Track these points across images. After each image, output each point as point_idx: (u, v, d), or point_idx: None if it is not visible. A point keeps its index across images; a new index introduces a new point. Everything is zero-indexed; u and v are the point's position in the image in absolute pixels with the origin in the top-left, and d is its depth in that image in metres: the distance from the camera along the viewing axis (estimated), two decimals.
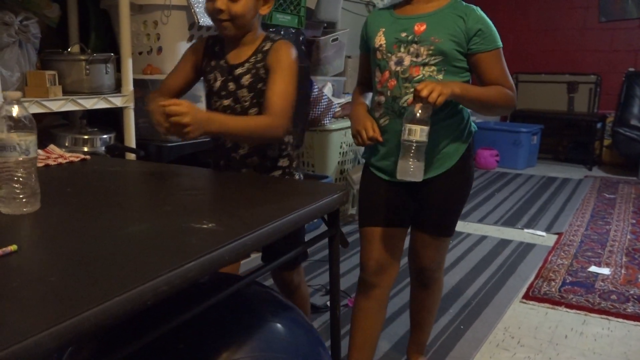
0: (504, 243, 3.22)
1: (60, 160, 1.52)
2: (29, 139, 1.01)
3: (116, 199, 1.20)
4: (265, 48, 1.48)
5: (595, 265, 2.85)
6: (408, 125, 1.38)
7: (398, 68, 1.50)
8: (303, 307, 1.74)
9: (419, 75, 1.48)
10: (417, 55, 1.48)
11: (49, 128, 2.41)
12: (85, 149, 2.30)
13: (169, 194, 1.25)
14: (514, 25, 6.02)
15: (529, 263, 2.90)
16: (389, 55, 1.52)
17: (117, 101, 2.29)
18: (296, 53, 1.49)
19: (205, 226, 0.96)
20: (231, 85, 1.49)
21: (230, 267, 1.46)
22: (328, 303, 2.29)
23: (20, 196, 1.01)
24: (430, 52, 1.47)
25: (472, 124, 1.62)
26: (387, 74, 1.52)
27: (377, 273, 1.64)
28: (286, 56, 1.45)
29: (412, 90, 1.46)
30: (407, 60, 1.50)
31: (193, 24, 2.45)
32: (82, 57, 2.24)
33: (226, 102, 1.50)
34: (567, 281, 2.65)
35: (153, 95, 1.51)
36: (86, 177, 1.40)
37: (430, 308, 1.83)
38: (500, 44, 1.51)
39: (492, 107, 1.54)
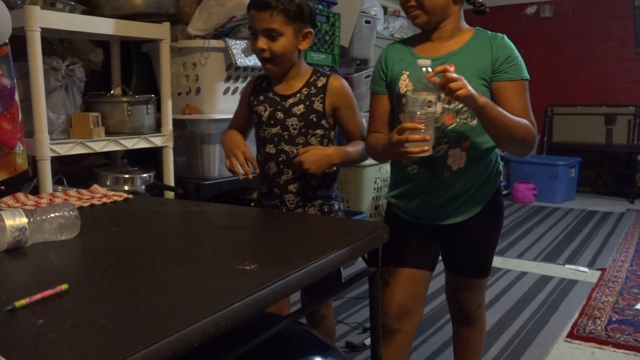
0: (545, 279, 3.13)
1: (104, 199, 1.55)
2: None
3: (159, 239, 1.22)
4: (320, 84, 1.57)
5: None
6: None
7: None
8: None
9: (452, 124, 1.41)
10: (449, 102, 1.40)
11: (91, 167, 2.49)
12: (126, 188, 2.36)
13: (210, 233, 1.27)
14: (549, 58, 5.98)
15: (572, 300, 2.81)
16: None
17: (157, 141, 2.35)
18: (347, 83, 1.63)
19: (248, 267, 0.96)
20: (279, 114, 1.57)
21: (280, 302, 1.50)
22: (365, 342, 2.26)
23: None
24: None
25: (500, 163, 1.56)
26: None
27: (399, 318, 1.55)
28: (349, 92, 1.61)
29: (446, 140, 1.41)
30: (438, 108, 1.41)
31: (230, 65, 2.51)
32: (124, 99, 2.32)
33: (274, 130, 1.58)
34: (614, 319, 2.55)
35: (229, 133, 1.65)
36: (130, 217, 1.43)
37: (475, 348, 1.75)
38: (526, 76, 1.41)
39: (513, 137, 1.35)
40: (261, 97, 1.61)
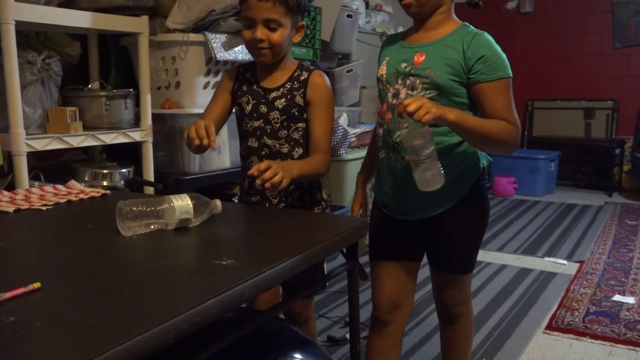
0: (525, 272, 3.17)
1: (81, 195, 1.53)
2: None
3: (136, 235, 1.21)
4: (302, 78, 1.55)
5: (619, 294, 2.79)
6: (407, 145, 1.32)
7: (394, 101, 1.46)
8: None
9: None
10: (413, 89, 1.43)
11: (69, 163, 2.45)
12: (105, 183, 2.33)
13: (188, 229, 1.26)
14: (529, 53, 6.03)
15: (551, 292, 2.85)
16: (388, 86, 1.49)
17: (136, 135, 2.33)
18: (329, 82, 1.59)
19: (224, 262, 0.96)
20: (263, 108, 1.56)
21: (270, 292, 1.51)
22: (347, 335, 2.27)
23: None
24: (425, 85, 1.41)
25: (485, 156, 1.54)
26: (385, 106, 1.50)
27: (390, 311, 1.59)
28: (327, 91, 1.56)
29: (406, 125, 1.41)
30: (402, 93, 1.45)
31: (210, 59, 2.49)
32: (102, 93, 2.29)
33: (257, 123, 1.56)
34: (591, 311, 2.59)
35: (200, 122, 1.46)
36: (107, 213, 1.40)
37: (461, 347, 1.72)
38: (507, 73, 1.39)
39: (491, 142, 1.37)
40: (244, 88, 1.59)
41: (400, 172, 1.49)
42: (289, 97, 1.54)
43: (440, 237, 1.55)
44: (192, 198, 1.21)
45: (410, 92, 1.43)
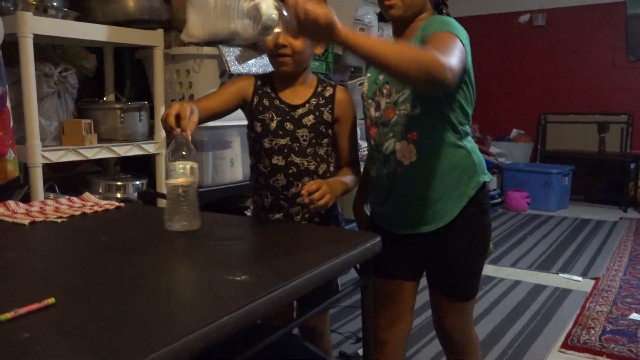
0: (539, 288, 3.13)
1: (96, 208, 1.54)
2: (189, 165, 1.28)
3: (150, 249, 1.20)
4: (327, 94, 1.56)
5: (636, 312, 2.74)
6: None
7: (377, 114, 1.46)
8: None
9: (393, 117, 1.41)
10: (390, 95, 1.42)
11: (84, 174, 2.47)
12: (119, 195, 2.33)
13: (201, 243, 1.25)
14: (542, 66, 6.01)
15: (566, 310, 2.81)
16: (370, 101, 1.50)
17: (149, 148, 2.33)
18: None
19: (238, 278, 0.95)
20: (289, 125, 1.53)
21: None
22: (359, 351, 2.24)
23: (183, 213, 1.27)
24: (398, 88, 1.39)
25: (484, 175, 1.46)
26: (368, 121, 1.50)
27: (386, 329, 1.55)
28: (353, 107, 1.60)
29: (391, 134, 1.41)
30: (383, 104, 1.45)
31: (224, 72, 2.50)
32: (117, 106, 2.30)
33: (283, 141, 1.53)
34: (608, 329, 2.54)
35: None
36: (121, 226, 1.41)
37: None
38: (449, 29, 1.27)
39: (400, 63, 1.11)
40: (266, 103, 1.55)
41: (394, 184, 1.47)
42: (316, 113, 1.53)
43: (435, 258, 1.50)
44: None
45: (388, 100, 1.43)
